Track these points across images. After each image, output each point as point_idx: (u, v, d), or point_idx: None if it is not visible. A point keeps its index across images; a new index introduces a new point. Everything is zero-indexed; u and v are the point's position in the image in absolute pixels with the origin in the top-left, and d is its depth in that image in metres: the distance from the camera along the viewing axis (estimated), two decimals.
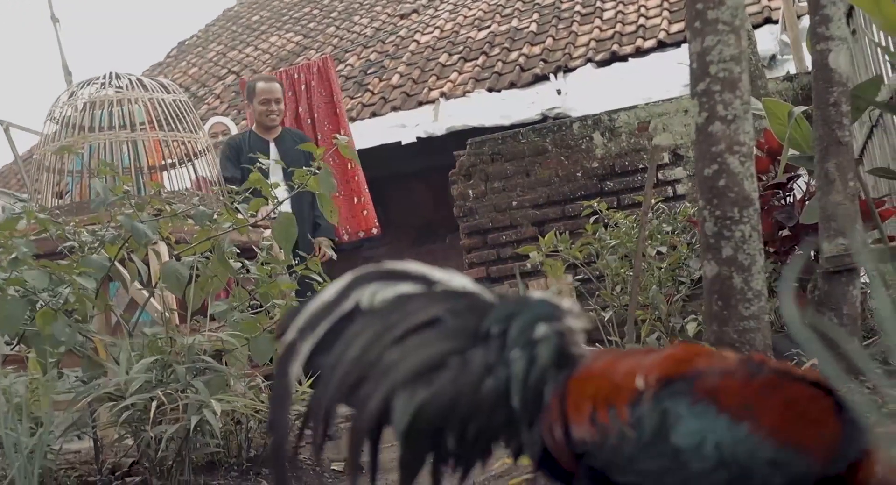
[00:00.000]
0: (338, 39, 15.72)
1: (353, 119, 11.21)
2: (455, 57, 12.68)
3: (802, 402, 1.16)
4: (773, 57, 9.58)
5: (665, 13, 11.36)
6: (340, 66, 13.61)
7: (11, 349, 3.67)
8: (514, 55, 11.94)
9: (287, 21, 18.08)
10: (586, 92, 10.16)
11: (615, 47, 10.84)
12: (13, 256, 3.37)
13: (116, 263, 3.72)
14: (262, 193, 3.90)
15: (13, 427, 3.01)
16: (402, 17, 15.55)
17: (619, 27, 11.55)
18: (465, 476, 1.33)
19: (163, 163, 6.05)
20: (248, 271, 3.91)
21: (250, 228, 4.09)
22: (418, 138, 10.79)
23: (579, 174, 7.65)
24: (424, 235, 13.29)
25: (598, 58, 10.81)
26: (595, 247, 4.33)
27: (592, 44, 11.32)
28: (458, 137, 9.32)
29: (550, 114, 10.08)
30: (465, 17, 14.28)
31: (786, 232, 4.09)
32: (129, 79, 5.57)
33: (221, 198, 4.76)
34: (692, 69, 2.64)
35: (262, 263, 3.93)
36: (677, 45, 10.19)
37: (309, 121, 8.89)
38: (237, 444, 3.68)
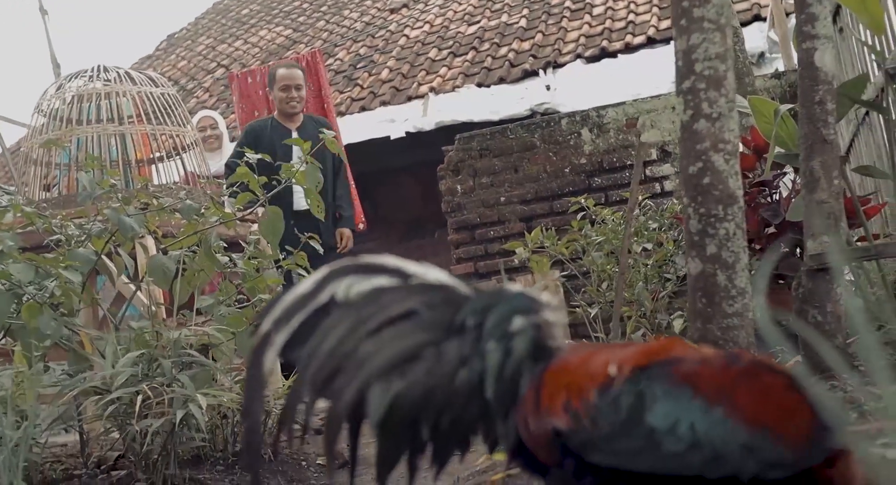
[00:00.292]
0: (327, 33, 15.70)
1: (341, 114, 11.20)
2: (445, 52, 12.68)
3: (778, 392, 1.16)
4: (761, 54, 9.60)
5: (655, 10, 11.38)
6: (330, 61, 13.59)
7: None
8: (503, 50, 11.95)
9: (277, 15, 18.05)
10: (575, 88, 10.17)
11: (605, 43, 10.85)
12: None
13: (103, 257, 3.71)
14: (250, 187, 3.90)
15: None
16: (392, 11, 15.54)
17: (608, 23, 11.56)
18: (441, 468, 1.34)
19: (151, 156, 6.04)
20: (235, 265, 3.91)
21: (238, 222, 4.09)
22: (407, 133, 10.79)
23: (567, 170, 7.67)
24: (413, 230, 13.29)
25: (587, 54, 10.82)
26: (581, 243, 4.34)
27: (582, 40, 11.33)
28: (448, 132, 9.33)
29: (539, 110, 10.10)
30: (455, 12, 14.28)
31: (772, 229, 4.11)
32: (118, 72, 5.56)
33: (208, 192, 4.76)
34: (678, 67, 2.65)
35: (248, 258, 3.93)
36: (667, 41, 10.21)
37: None
38: (223, 438, 3.68)
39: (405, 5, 15.58)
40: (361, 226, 8.75)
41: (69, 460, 3.80)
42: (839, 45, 5.33)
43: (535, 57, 11.30)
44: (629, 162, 7.36)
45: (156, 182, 5.79)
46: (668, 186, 7.12)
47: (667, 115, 7.11)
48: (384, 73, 12.57)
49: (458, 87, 11.24)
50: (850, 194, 3.65)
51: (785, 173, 4.23)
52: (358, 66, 13.38)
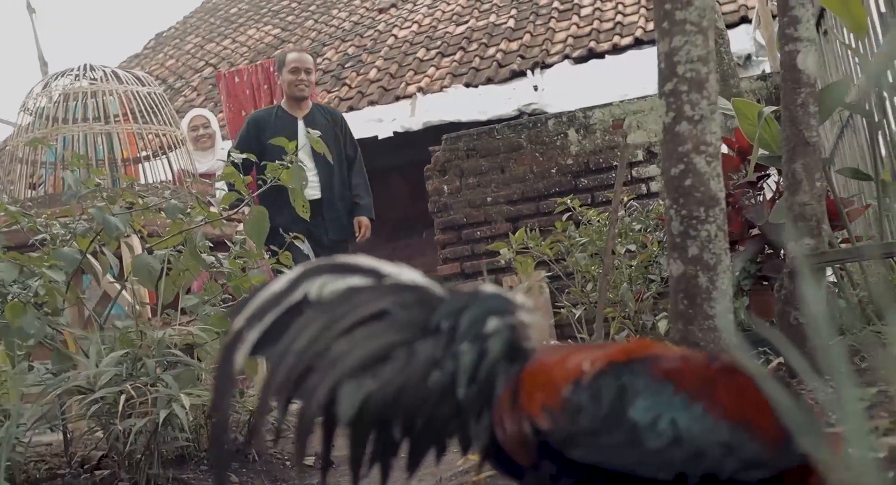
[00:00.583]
0: (316, 33, 15.69)
1: None
2: (433, 52, 12.68)
3: (756, 390, 1.17)
4: (748, 56, 9.63)
5: (642, 11, 11.40)
6: (318, 60, 13.58)
7: None
8: (491, 51, 11.96)
9: (265, 14, 18.02)
10: (563, 88, 10.18)
11: (592, 44, 10.87)
12: None
13: (89, 256, 3.71)
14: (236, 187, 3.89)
15: None
16: (380, 11, 15.54)
17: (596, 24, 11.58)
18: (414, 469, 1.34)
19: (137, 155, 6.03)
20: (221, 265, 3.91)
21: (224, 221, 4.08)
22: (395, 133, 10.79)
23: (554, 171, 7.68)
24: (401, 229, 13.29)
25: (575, 54, 10.84)
26: (565, 244, 4.35)
27: (570, 40, 11.35)
28: (435, 132, 9.33)
29: (527, 110, 10.11)
30: (444, 12, 14.28)
31: (755, 231, 4.13)
32: (104, 70, 5.55)
33: (192, 192, 4.75)
34: (660, 69, 2.67)
35: (234, 258, 3.93)
36: (654, 43, 10.20)
37: None
38: (207, 438, 3.68)
39: (393, 5, 15.58)
40: None
41: (53, 459, 3.79)
42: (823, 48, 5.35)
43: (522, 57, 11.31)
44: (616, 163, 7.38)
45: (143, 181, 5.78)
46: (654, 186, 7.14)
47: (653, 116, 7.13)
48: (372, 73, 12.57)
49: (446, 87, 11.24)
50: (833, 196, 3.67)
51: (769, 175, 4.25)
52: (346, 66, 13.37)
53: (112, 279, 4.17)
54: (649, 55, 9.96)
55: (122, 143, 5.71)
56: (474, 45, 12.40)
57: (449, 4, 14.53)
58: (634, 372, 1.21)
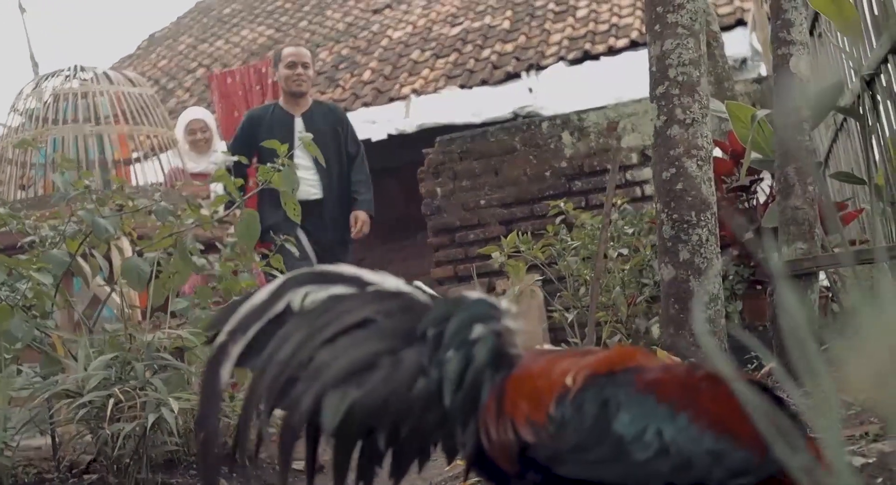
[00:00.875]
0: (310, 34, 15.66)
1: None
2: (427, 53, 12.66)
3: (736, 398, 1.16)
4: (744, 60, 9.62)
5: (638, 13, 11.38)
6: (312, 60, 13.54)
7: None
8: (486, 52, 11.94)
9: (259, 14, 17.99)
10: (558, 90, 10.17)
11: (588, 46, 10.85)
12: None
13: (78, 259, 3.69)
14: (227, 190, 3.87)
15: None
16: (374, 12, 15.52)
17: (591, 26, 11.57)
18: (400, 477, 1.33)
19: (129, 157, 6.01)
20: (212, 267, 3.89)
21: (216, 224, 4.07)
22: (389, 135, 10.76)
23: (548, 174, 7.67)
24: (395, 231, 13.27)
25: (570, 56, 10.82)
26: (557, 248, 4.34)
27: (565, 42, 11.33)
28: (430, 134, 9.31)
29: (522, 112, 10.09)
30: (439, 13, 14.26)
31: (748, 235, 4.12)
32: (94, 72, 5.53)
33: (183, 194, 4.73)
34: (651, 72, 2.66)
35: (225, 260, 3.91)
36: None
37: None
38: (197, 443, 3.65)
39: (388, 6, 15.56)
40: None
41: (42, 463, 3.77)
42: (818, 52, 5.34)
43: (517, 59, 11.29)
44: (609, 166, 7.36)
45: (135, 183, 5.76)
46: (649, 190, 7.13)
47: (648, 118, 7.11)
48: (366, 75, 12.55)
49: (441, 88, 11.22)
50: (827, 201, 3.65)
51: (761, 179, 4.24)
52: (340, 67, 13.34)
53: (102, 282, 4.14)
54: (645, 57, 9.82)
55: (113, 144, 5.68)
56: (469, 47, 12.38)
57: (444, 6, 14.51)
58: (617, 384, 1.20)
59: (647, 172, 7.20)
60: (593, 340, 3.46)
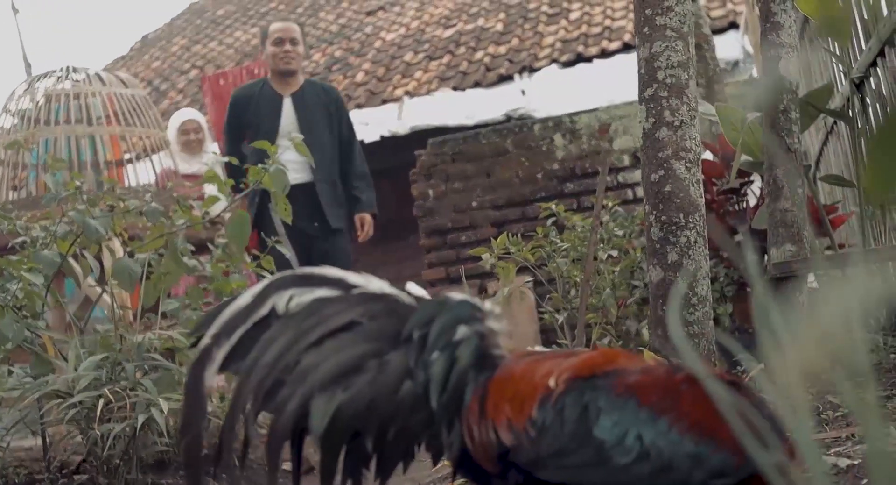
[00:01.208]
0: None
1: None
2: (420, 55, 12.67)
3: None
4: (736, 62, 9.64)
5: (631, 16, 11.38)
6: (304, 63, 13.55)
7: None
8: (479, 55, 11.95)
9: (252, 16, 17.98)
10: (551, 93, 10.19)
11: (580, 48, 10.87)
12: None
13: (70, 260, 3.69)
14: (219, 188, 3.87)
15: None
16: (368, 14, 15.52)
17: (584, 28, 11.59)
18: (386, 477, 1.34)
19: (121, 158, 6.01)
20: (203, 268, 3.90)
21: (207, 225, 4.07)
22: (382, 137, 10.77)
23: (540, 176, 7.68)
24: (388, 234, 13.25)
25: (563, 59, 10.84)
26: (547, 250, 4.35)
27: (558, 45, 11.35)
28: (423, 136, 9.31)
29: (514, 114, 10.11)
30: (432, 15, 14.27)
31: (738, 237, 4.13)
32: (87, 73, 5.53)
33: (174, 195, 4.73)
34: (640, 75, 2.67)
35: (216, 261, 3.91)
36: None
37: None
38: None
39: (381, 8, 15.56)
40: None
41: (33, 464, 3.77)
42: (809, 55, 5.35)
43: (511, 61, 11.30)
44: (601, 168, 7.37)
45: (128, 184, 5.76)
46: (640, 192, 7.10)
47: (639, 121, 7.13)
48: (359, 76, 12.55)
49: (434, 90, 11.23)
50: (816, 203, 3.67)
51: (752, 181, 4.25)
52: (333, 69, 13.34)
53: (93, 283, 4.14)
54: None
55: (106, 145, 5.69)
56: (462, 49, 12.39)
57: (437, 8, 14.52)
58: (598, 388, 1.21)
59: (638, 175, 7.19)
60: (583, 342, 3.47)
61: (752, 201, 4.33)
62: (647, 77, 2.64)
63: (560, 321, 4.32)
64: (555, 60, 10.84)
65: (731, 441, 1.13)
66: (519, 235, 4.27)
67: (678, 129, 2.59)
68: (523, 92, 10.49)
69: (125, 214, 3.79)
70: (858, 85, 3.76)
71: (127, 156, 5.92)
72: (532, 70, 10.86)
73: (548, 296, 4.49)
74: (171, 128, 6.90)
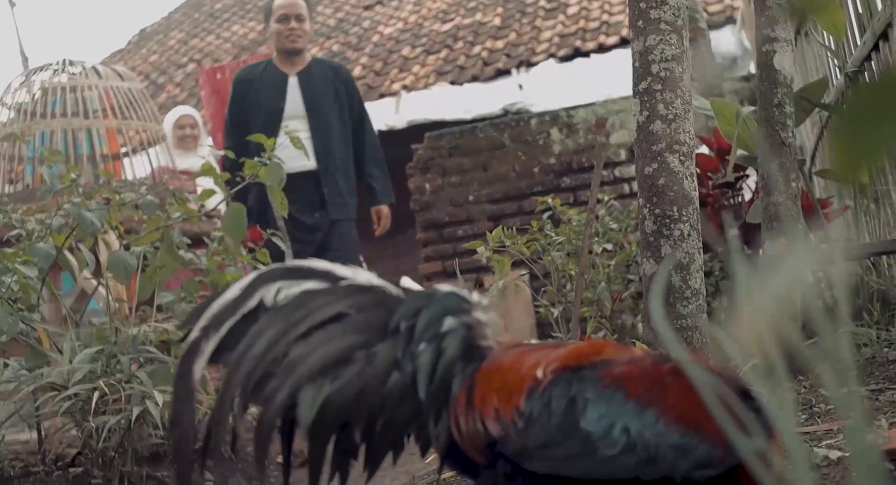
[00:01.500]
0: None
1: None
2: (418, 50, 12.66)
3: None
4: (734, 57, 9.64)
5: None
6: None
7: None
8: (477, 49, 11.94)
9: (250, 10, 17.95)
10: (548, 87, 10.18)
11: (578, 43, 10.87)
12: None
13: (66, 252, 3.69)
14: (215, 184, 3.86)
15: None
16: (365, 8, 15.50)
17: (582, 23, 11.58)
18: (374, 469, 1.34)
19: (118, 152, 6.01)
20: (200, 261, 3.90)
21: (203, 217, 4.07)
22: (379, 131, 10.74)
23: (536, 170, 7.68)
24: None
25: (560, 53, 10.84)
26: (541, 243, 4.35)
27: (556, 39, 11.34)
28: (420, 130, 9.31)
29: (512, 109, 10.10)
30: (429, 9, 14.26)
31: (732, 232, 4.13)
32: (83, 66, 5.52)
33: (170, 188, 4.72)
34: (634, 68, 2.67)
35: (212, 255, 3.92)
36: None
37: None
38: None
39: (379, 2, 15.55)
40: None
41: (28, 457, 3.78)
42: (804, 49, 5.36)
43: (508, 56, 11.30)
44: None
45: (125, 177, 5.75)
46: (636, 186, 7.14)
47: None
48: (357, 71, 12.53)
49: (431, 84, 11.22)
50: (811, 197, 3.67)
51: (747, 176, 4.25)
52: None
53: (88, 276, 4.14)
54: None
55: (102, 138, 5.68)
56: (460, 43, 12.39)
57: (435, 2, 14.51)
58: (585, 379, 1.21)
59: (634, 169, 7.22)
60: (577, 335, 3.48)
61: (748, 195, 4.34)
62: (642, 70, 2.64)
63: (555, 315, 4.32)
64: (552, 55, 10.84)
65: (716, 433, 1.13)
66: (515, 228, 4.26)
67: (672, 122, 2.59)
68: (520, 86, 10.49)
69: (121, 207, 3.79)
70: (853, 79, 3.76)
71: (124, 149, 5.91)
72: (529, 64, 10.86)
73: (543, 289, 4.48)
74: (166, 123, 6.89)
